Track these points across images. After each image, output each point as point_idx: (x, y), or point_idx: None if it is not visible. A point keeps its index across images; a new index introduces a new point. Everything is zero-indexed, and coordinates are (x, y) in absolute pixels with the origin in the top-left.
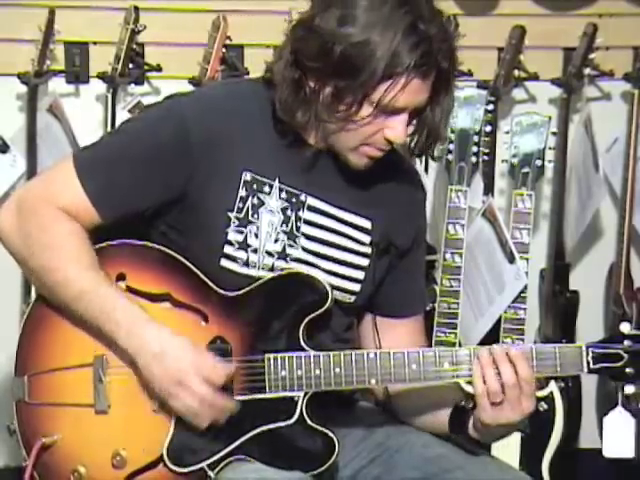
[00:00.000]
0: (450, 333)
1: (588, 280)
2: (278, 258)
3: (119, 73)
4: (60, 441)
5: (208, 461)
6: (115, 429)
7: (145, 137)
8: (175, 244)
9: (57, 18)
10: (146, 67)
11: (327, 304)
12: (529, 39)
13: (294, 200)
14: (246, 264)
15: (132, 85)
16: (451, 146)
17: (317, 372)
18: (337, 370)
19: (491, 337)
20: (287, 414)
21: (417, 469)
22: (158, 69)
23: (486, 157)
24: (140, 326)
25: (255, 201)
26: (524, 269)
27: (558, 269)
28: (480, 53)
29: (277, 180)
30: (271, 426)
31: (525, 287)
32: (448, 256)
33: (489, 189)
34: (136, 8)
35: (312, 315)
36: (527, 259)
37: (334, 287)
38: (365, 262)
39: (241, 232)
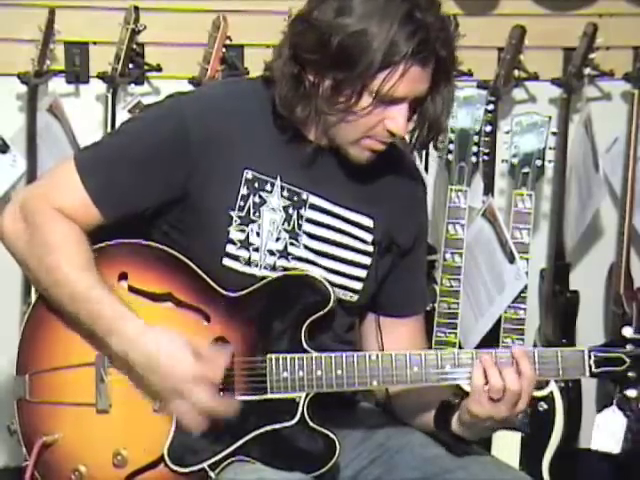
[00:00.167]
0: (450, 333)
1: (588, 280)
2: (280, 256)
3: (119, 73)
4: (61, 440)
5: (209, 461)
6: (116, 428)
7: (145, 136)
8: (177, 244)
9: (57, 18)
10: (146, 67)
11: (330, 305)
12: (529, 39)
13: (296, 198)
14: (248, 263)
15: (132, 85)
16: (451, 146)
17: (319, 373)
18: (339, 371)
19: (491, 337)
20: (288, 415)
21: (417, 469)
22: (158, 69)
23: (486, 157)
24: (132, 332)
25: (257, 199)
26: (524, 269)
27: (558, 269)
28: (480, 53)
29: (279, 178)
30: (272, 427)
31: (525, 287)
32: (448, 256)
33: (489, 189)
34: (136, 8)
35: (314, 316)
36: (527, 259)
37: (336, 285)
38: (367, 260)
39: (243, 231)
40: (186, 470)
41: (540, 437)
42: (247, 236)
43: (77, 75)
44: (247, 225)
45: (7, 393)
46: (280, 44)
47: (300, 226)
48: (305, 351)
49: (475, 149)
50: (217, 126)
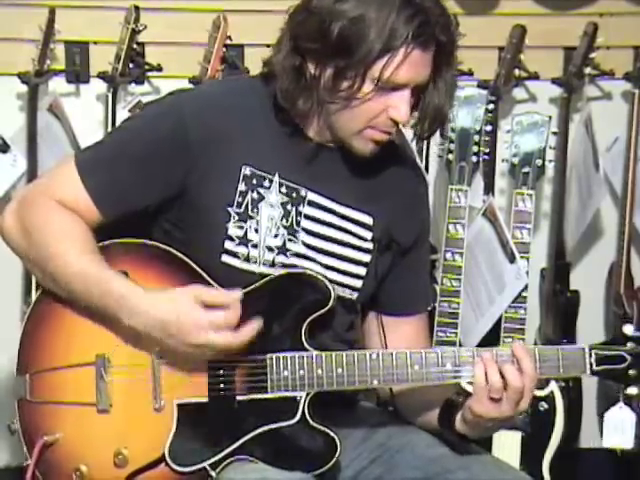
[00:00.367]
0: (451, 333)
1: (589, 279)
2: (278, 253)
3: (119, 73)
4: (62, 440)
5: (210, 461)
6: (117, 428)
7: (145, 134)
8: (177, 241)
9: (57, 18)
10: (146, 67)
11: (330, 304)
12: (529, 38)
13: (294, 195)
14: (247, 259)
15: (132, 85)
16: (452, 145)
17: (319, 372)
18: (339, 370)
19: (492, 337)
20: (289, 414)
21: (418, 469)
22: (158, 69)
23: (487, 156)
24: (142, 301)
25: (255, 196)
26: (525, 269)
27: (559, 268)
28: (480, 52)
29: (277, 175)
30: (273, 426)
31: (526, 287)
32: (449, 256)
33: (489, 188)
34: (136, 8)
35: (314, 315)
36: (528, 259)
37: (335, 283)
38: (367, 258)
39: (241, 227)
40: (187, 469)
41: (541, 437)
42: (245, 232)
43: (77, 75)
44: (245, 221)
45: (8, 392)
46: (279, 39)
47: (298, 223)
48: (305, 350)
49: (475, 149)
50: (216, 123)
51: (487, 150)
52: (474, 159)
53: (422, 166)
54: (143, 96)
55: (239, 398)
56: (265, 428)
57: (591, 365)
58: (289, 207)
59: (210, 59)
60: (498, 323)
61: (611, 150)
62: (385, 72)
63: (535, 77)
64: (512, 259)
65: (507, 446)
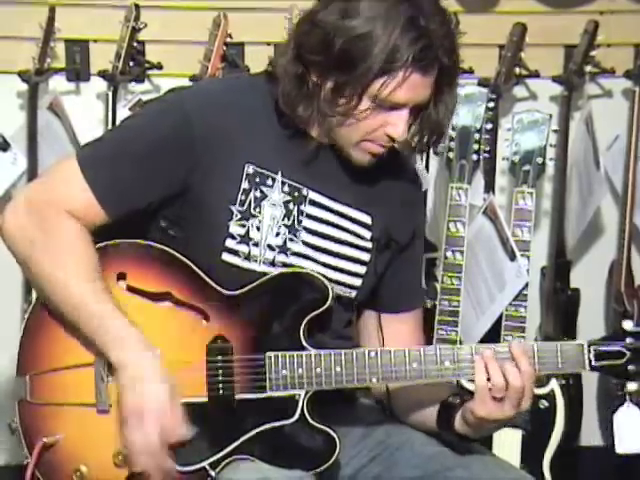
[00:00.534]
0: (451, 331)
1: (589, 278)
2: (279, 252)
3: (120, 71)
4: (62, 440)
5: (209, 460)
6: (117, 428)
7: (147, 132)
8: (176, 240)
9: (58, 16)
10: (147, 65)
11: (328, 302)
12: (530, 36)
13: (296, 194)
14: (247, 258)
15: (133, 83)
16: (452, 144)
17: (318, 371)
18: (338, 369)
19: (492, 335)
20: (288, 413)
21: (418, 467)
22: (159, 67)
23: (487, 155)
24: (130, 348)
25: (258, 194)
26: (525, 267)
27: (559, 267)
28: (481, 50)
29: (280, 173)
30: (272, 425)
31: (526, 285)
32: (449, 254)
33: (490, 187)
34: (137, 6)
35: (313, 314)
36: (528, 257)
37: (335, 282)
38: (366, 257)
39: (243, 225)
40: (186, 469)
41: (541, 435)
42: (247, 231)
43: (78, 73)
44: (247, 220)
45: (8, 392)
46: (285, 43)
47: (300, 222)
48: (304, 348)
49: (476, 147)
50: (218, 121)
51: (487, 148)
52: (474, 157)
53: (423, 165)
54: (143, 94)
55: (238, 397)
56: (264, 427)
57: (590, 361)
58: (291, 206)
59: (210, 57)
60: (498, 321)
61: (612, 148)
62: (383, 92)
63: (536, 75)
64: (512, 257)
65: (507, 444)
